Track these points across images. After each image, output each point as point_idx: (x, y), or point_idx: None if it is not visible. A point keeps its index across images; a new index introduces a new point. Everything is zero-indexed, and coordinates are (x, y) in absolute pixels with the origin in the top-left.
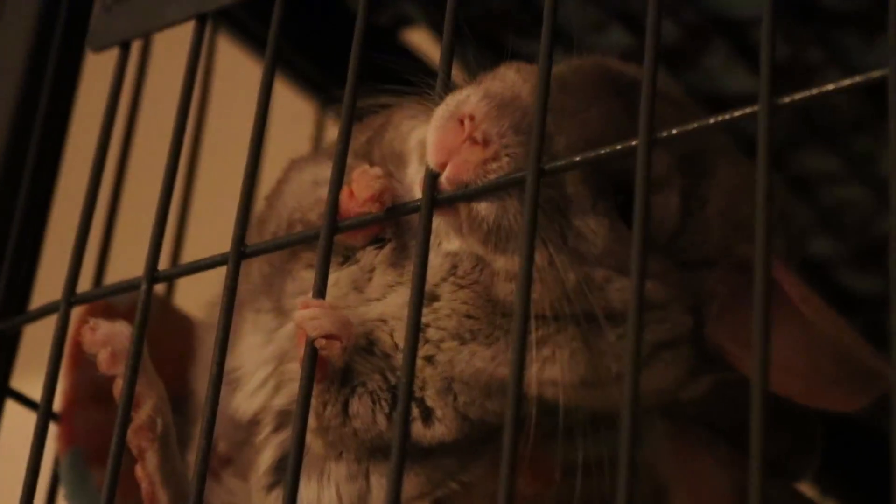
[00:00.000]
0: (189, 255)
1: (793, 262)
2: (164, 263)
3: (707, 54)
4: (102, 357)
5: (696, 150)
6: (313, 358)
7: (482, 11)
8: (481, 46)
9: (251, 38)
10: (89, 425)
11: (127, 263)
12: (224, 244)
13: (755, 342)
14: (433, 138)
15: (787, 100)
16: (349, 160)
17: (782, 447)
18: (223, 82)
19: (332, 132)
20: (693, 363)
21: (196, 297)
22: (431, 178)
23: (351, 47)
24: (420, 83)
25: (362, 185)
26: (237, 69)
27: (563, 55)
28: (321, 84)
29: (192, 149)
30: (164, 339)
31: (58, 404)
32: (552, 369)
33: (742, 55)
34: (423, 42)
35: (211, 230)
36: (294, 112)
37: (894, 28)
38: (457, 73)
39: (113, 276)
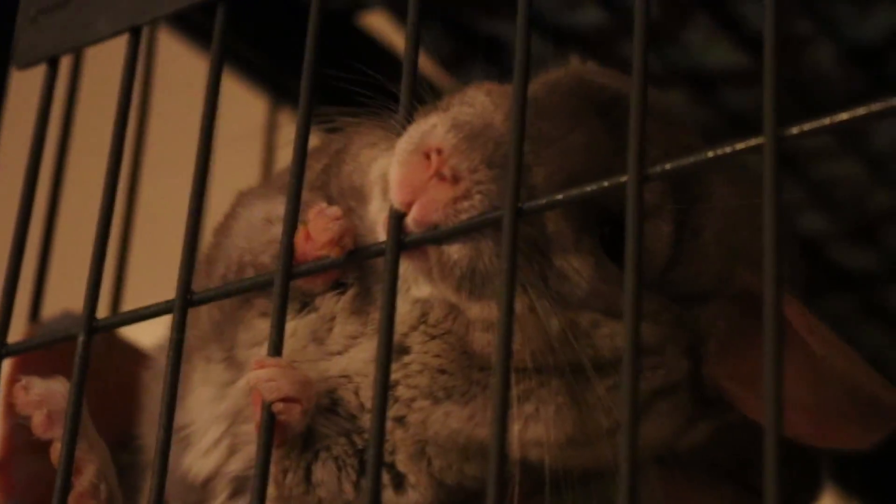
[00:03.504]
0: (133, 287)
1: (797, 289)
2: (103, 302)
3: (688, 29)
4: (37, 420)
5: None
6: (271, 423)
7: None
8: (448, 30)
9: (196, 34)
10: (30, 476)
11: (64, 297)
12: (171, 279)
13: (766, 389)
14: (397, 175)
15: (794, 131)
16: (305, 195)
17: (786, 483)
18: (165, 88)
19: (287, 132)
20: (691, 409)
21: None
22: (396, 219)
23: (305, 39)
24: (381, 97)
25: (319, 227)
26: (182, 71)
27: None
28: (273, 76)
29: (132, 170)
30: (111, 372)
31: None
32: (536, 428)
33: (724, 29)
34: (381, 25)
35: (157, 259)
36: (245, 110)
37: None
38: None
39: (51, 306)
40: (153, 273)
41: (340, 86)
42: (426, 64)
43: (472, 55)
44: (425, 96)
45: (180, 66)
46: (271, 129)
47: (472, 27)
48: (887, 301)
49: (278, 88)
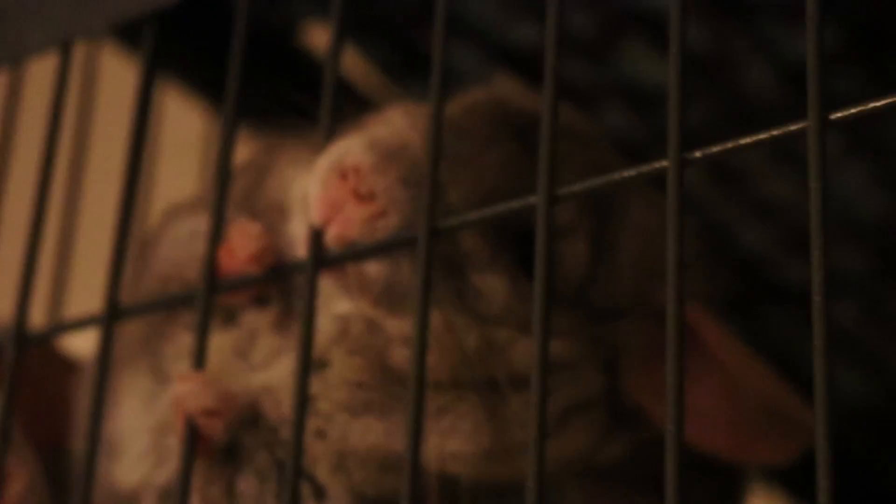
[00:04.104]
0: (76, 296)
1: (714, 305)
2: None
3: (624, 46)
4: None
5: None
6: (193, 436)
7: (388, 11)
8: (391, 45)
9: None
10: None
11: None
12: None
13: (668, 391)
14: (315, 193)
15: (698, 154)
16: (229, 211)
17: (706, 497)
18: (109, 100)
19: None
20: (608, 424)
21: None
22: (316, 237)
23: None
24: (308, 116)
25: (241, 243)
26: (127, 83)
27: (470, 52)
28: (213, 89)
29: (71, 178)
30: (48, 381)
31: None
32: (453, 442)
33: (662, 46)
34: (320, 39)
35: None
36: (189, 121)
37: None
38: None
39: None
40: (96, 283)
41: (271, 103)
42: (373, 74)
43: (417, 66)
44: (349, 115)
45: (125, 78)
46: (212, 142)
47: (416, 38)
48: (828, 316)
49: (218, 101)
